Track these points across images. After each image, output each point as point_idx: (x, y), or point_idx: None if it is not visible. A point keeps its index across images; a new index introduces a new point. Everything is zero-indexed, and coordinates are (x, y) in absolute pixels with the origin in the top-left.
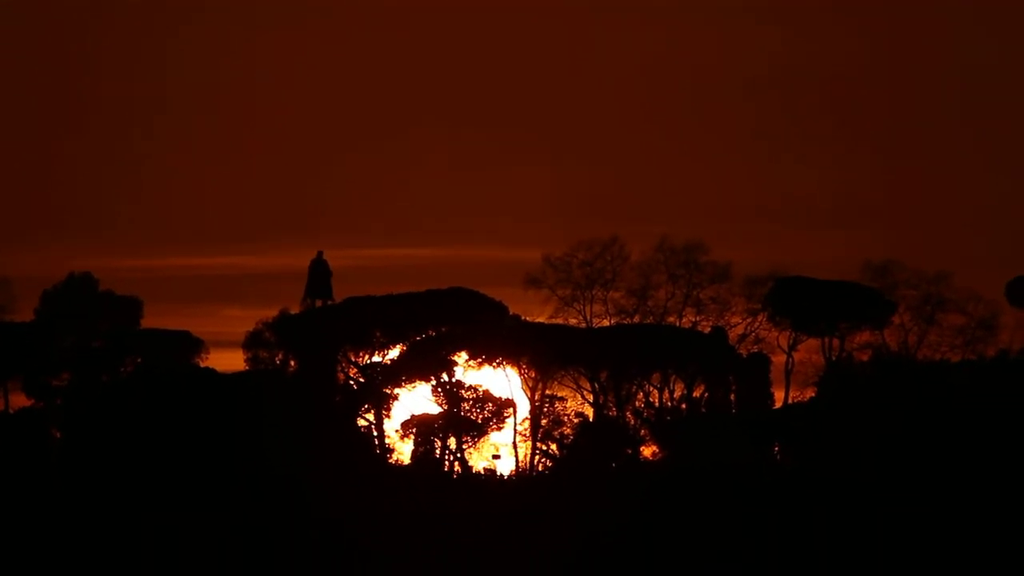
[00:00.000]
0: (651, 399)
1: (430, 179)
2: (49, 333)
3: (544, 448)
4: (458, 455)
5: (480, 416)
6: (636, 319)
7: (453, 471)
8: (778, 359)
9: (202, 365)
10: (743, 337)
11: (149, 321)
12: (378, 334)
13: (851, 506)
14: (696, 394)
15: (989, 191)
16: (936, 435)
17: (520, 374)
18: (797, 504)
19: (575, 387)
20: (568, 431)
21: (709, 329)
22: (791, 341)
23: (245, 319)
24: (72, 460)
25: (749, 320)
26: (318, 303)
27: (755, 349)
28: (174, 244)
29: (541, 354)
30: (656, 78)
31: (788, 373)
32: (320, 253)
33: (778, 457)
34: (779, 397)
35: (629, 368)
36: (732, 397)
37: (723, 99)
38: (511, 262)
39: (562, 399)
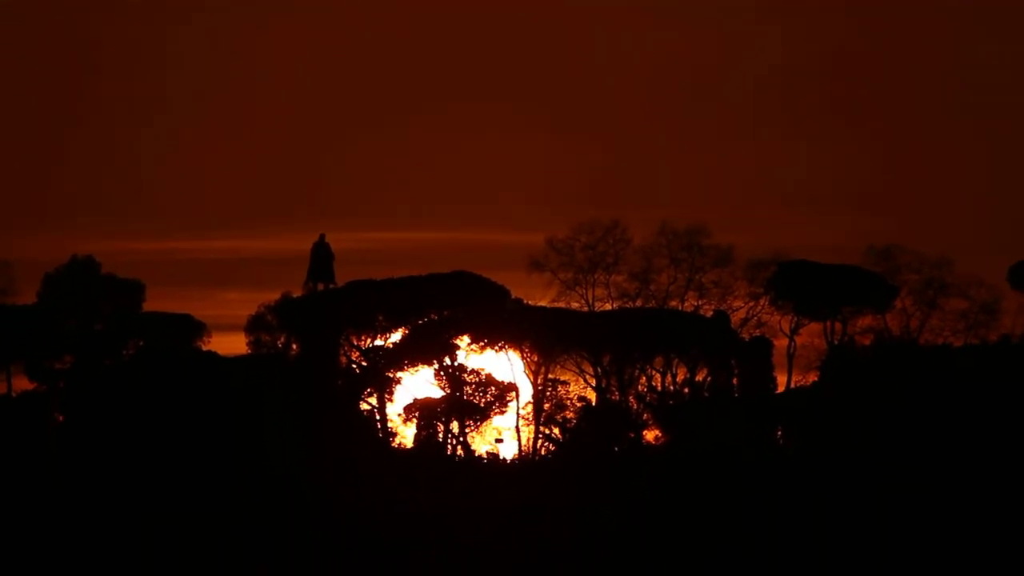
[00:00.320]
0: (653, 383)
1: (433, 162)
2: (51, 316)
3: (547, 432)
4: (461, 439)
5: (483, 400)
6: (638, 303)
7: (456, 455)
8: (780, 343)
9: (204, 348)
10: (745, 321)
11: (151, 304)
12: (380, 318)
13: (853, 490)
14: (698, 378)
15: (992, 175)
16: (938, 419)
17: (523, 358)
18: (799, 488)
19: (578, 371)
20: (571, 415)
21: (711, 313)
22: (793, 325)
23: (247, 302)
24: (74, 443)
25: (751, 304)
26: (320, 286)
27: (757, 333)
28: (176, 227)
29: (543, 338)
30: (659, 61)
31: (790, 357)
32: (322, 236)
33: (780, 441)
34: (781, 381)
35: (631, 352)
36: (734, 381)
37: (726, 83)
38: (513, 246)
39: (565, 383)
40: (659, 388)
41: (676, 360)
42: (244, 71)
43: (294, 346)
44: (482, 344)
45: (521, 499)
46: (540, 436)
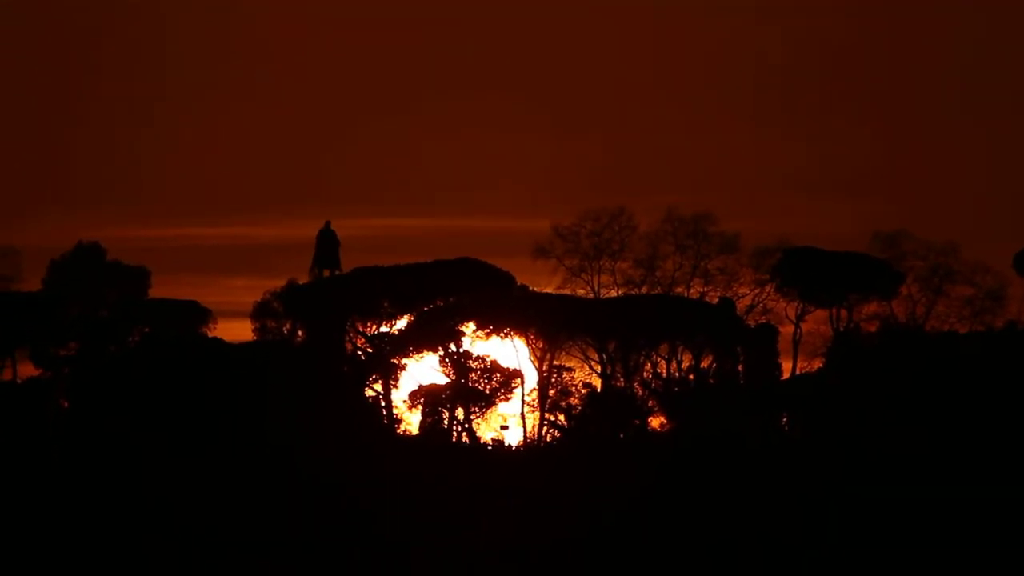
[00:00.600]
0: (659, 370)
1: (438, 149)
2: (57, 303)
3: (552, 419)
4: (466, 426)
5: (488, 387)
6: (644, 290)
7: (461, 442)
8: (786, 330)
9: (210, 335)
10: (751, 308)
11: (157, 291)
12: (386, 304)
13: (858, 476)
14: (704, 365)
15: (998, 162)
16: (944, 406)
17: (528, 344)
18: (804, 475)
19: (583, 358)
20: (576, 402)
21: (717, 300)
22: (799, 312)
23: (253, 289)
24: (79, 430)
25: (757, 291)
26: (326, 273)
27: (763, 320)
28: (182, 214)
29: (549, 324)
30: (664, 48)
31: (796, 344)
32: (328, 223)
33: (786, 428)
34: (787, 368)
35: (637, 339)
36: (740, 368)
37: (732, 69)
38: (519, 232)
39: (570, 370)
40: (664, 375)
41: (681, 347)
42: (251, 58)
43: (300, 333)
44: (487, 331)
45: (526, 486)
46: (545, 423)
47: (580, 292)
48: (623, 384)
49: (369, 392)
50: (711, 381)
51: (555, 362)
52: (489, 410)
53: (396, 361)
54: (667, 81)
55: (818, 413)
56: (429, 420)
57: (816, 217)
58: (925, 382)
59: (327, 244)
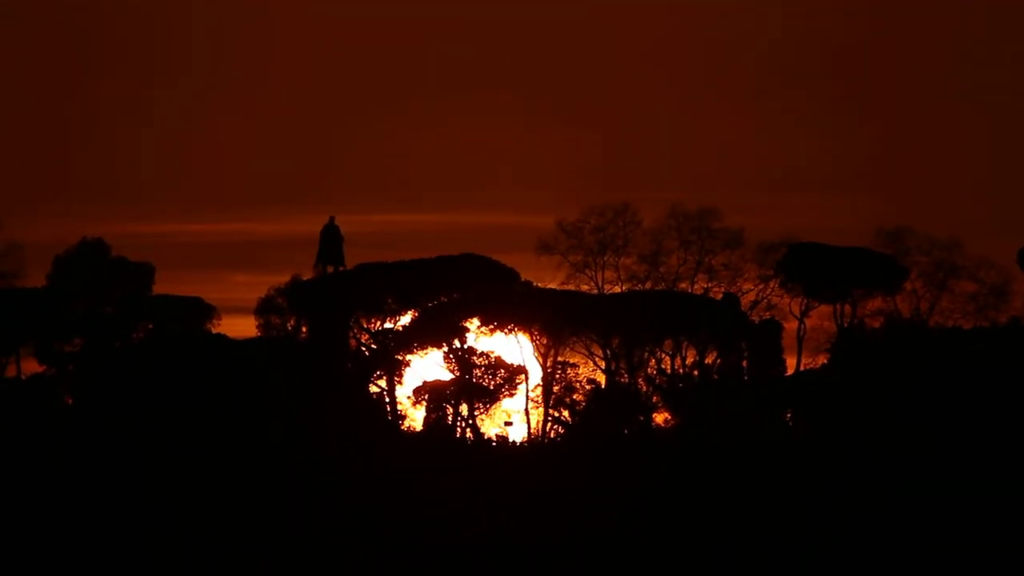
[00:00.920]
0: (663, 366)
1: (442, 145)
2: (61, 299)
3: (556, 415)
4: (470, 422)
5: (492, 383)
6: (648, 285)
7: (465, 438)
8: (790, 325)
9: (214, 331)
10: (755, 303)
11: (161, 287)
12: (390, 300)
13: (863, 473)
14: (708, 361)
15: (1001, 157)
16: (948, 402)
17: (532, 340)
18: (809, 471)
19: (587, 353)
20: (580, 398)
21: (721, 295)
22: (803, 307)
23: (257, 285)
24: (83, 426)
25: (761, 286)
26: (330, 269)
27: (767, 315)
28: (186, 210)
29: (553, 320)
30: (668, 44)
31: (800, 340)
32: (332, 219)
33: (790, 423)
34: (791, 364)
35: (641, 334)
36: (744, 364)
37: (736, 65)
38: (523, 228)
39: (574, 365)
40: (668, 371)
41: (686, 343)
42: (254, 53)
43: (304, 329)
44: (491, 327)
45: (530, 482)
46: (549, 419)
47: (584, 288)
48: (627, 380)
49: (373, 388)
50: (715, 377)
51: (559, 358)
52: (493, 406)
53: (400, 357)
54: (671, 77)
55: (822, 409)
56: (433, 416)
57: (820, 213)
58: (929, 378)
59: (331, 240)
